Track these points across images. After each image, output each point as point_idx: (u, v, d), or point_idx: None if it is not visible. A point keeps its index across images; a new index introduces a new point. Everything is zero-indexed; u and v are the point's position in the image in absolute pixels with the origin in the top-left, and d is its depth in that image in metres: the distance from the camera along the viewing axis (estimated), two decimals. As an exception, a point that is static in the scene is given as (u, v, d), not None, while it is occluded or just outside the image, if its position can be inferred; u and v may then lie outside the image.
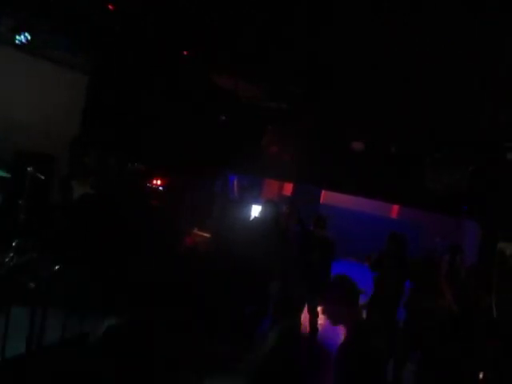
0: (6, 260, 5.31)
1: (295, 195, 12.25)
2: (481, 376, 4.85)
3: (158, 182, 8.03)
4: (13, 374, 3.81)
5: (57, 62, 6.61)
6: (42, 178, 5.72)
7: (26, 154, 6.13)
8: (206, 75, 7.84)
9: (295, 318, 5.72)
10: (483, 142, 7.02)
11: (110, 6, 5.71)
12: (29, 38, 6.02)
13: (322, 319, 5.74)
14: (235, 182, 10.01)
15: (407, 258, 5.81)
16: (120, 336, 4.62)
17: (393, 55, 4.44)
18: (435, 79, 4.82)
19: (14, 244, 5.45)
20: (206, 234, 7.88)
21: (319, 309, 5.77)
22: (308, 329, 6.04)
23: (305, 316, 6.28)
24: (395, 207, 13.04)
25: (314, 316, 6.17)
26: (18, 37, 5.99)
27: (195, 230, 7.97)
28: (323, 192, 12.93)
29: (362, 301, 5.58)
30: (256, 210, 8.65)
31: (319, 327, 6.05)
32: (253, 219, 7.58)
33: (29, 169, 5.58)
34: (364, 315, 5.30)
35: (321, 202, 12.96)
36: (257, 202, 9.12)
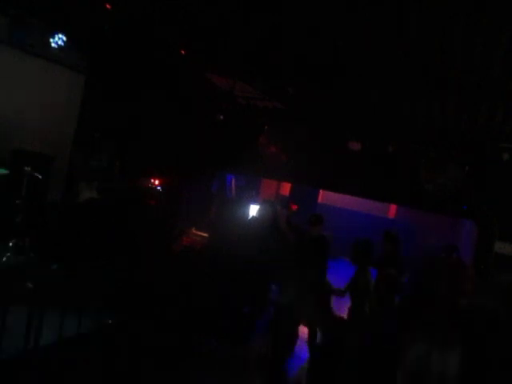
0: (3, 260, 5.31)
1: (293, 195, 12.27)
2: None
3: (156, 182, 8.04)
4: (10, 374, 3.82)
5: (54, 61, 6.61)
6: (40, 177, 5.72)
7: (23, 154, 6.13)
8: (204, 75, 7.85)
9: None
10: (479, 142, 7.05)
11: (108, 6, 5.72)
12: (25, 36, 6.02)
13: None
14: (233, 182, 10.02)
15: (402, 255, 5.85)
16: (117, 335, 4.64)
17: (387, 54, 4.46)
18: (431, 79, 4.84)
19: (10, 244, 5.46)
20: (203, 234, 7.90)
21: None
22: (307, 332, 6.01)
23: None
24: (392, 207, 13.07)
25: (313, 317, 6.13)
26: (14, 35, 5.99)
27: (193, 230, 7.99)
28: (321, 192, 12.95)
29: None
30: (254, 210, 8.66)
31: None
32: (250, 219, 7.60)
33: (26, 168, 5.58)
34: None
35: (318, 201, 12.98)
36: (254, 202, 9.13)
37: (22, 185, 5.58)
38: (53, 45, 6.31)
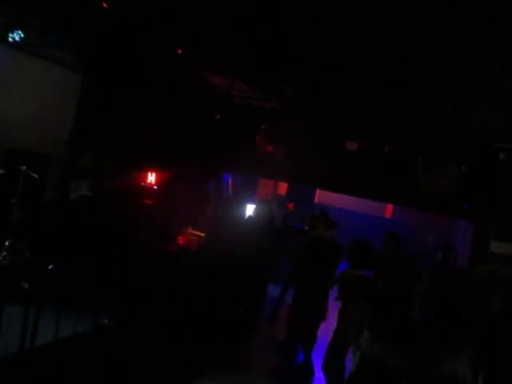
0: (-1, 259, 5.28)
1: (289, 195, 12.29)
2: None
3: (152, 181, 8.02)
4: (5, 375, 3.80)
5: (51, 60, 6.58)
6: (36, 176, 5.69)
7: (19, 153, 6.10)
8: (201, 74, 7.83)
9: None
10: (476, 142, 7.06)
11: (105, 4, 5.69)
12: (22, 35, 5.97)
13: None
14: (230, 182, 10.01)
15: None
16: (114, 335, 4.62)
17: (387, 54, 4.46)
18: (428, 79, 4.84)
19: (6, 243, 5.42)
20: (200, 233, 7.88)
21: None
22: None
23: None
24: (389, 206, 13.10)
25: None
26: (11, 34, 5.95)
27: (189, 229, 7.97)
28: (317, 191, 12.97)
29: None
30: (250, 210, 8.66)
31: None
32: (247, 218, 7.60)
33: (22, 167, 5.55)
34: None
35: (315, 201, 13.00)
36: (251, 202, 9.12)
37: (17, 184, 5.55)
38: (48, 43, 6.28)
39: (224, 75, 7.49)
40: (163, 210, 7.53)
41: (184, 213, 7.91)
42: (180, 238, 7.69)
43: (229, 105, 8.73)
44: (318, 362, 5.13)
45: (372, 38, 3.98)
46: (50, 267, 4.84)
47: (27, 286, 4.77)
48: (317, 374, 5.30)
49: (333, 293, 5.64)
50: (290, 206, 10.28)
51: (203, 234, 7.74)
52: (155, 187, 7.92)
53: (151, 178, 8.07)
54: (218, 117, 8.70)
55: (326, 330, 5.33)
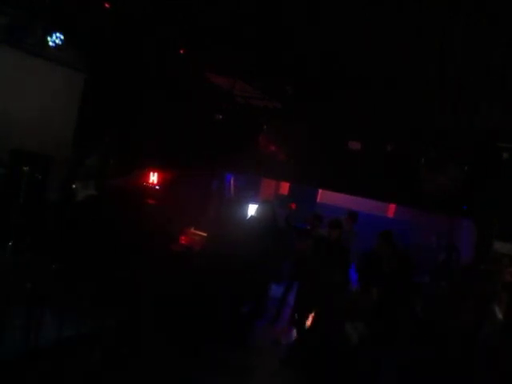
0: (2, 260, 5.30)
1: (292, 194, 12.28)
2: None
3: (155, 181, 8.03)
4: (9, 375, 3.82)
5: (53, 60, 6.59)
6: (39, 177, 5.71)
7: (22, 154, 6.11)
8: (203, 74, 7.84)
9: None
10: (478, 142, 7.05)
11: (107, 4, 5.71)
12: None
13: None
14: (232, 182, 10.01)
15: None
16: (116, 335, 4.64)
17: (387, 54, 4.46)
18: (429, 79, 4.84)
19: (9, 244, 5.45)
20: (202, 233, 7.88)
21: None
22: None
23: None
24: (392, 206, 13.07)
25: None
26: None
27: (191, 229, 7.98)
28: (320, 191, 12.94)
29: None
30: (252, 210, 8.65)
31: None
32: (249, 218, 7.60)
33: (25, 168, 5.57)
34: None
35: (317, 201, 12.98)
36: (253, 202, 9.12)
37: (20, 185, 5.57)
38: (51, 44, 6.30)
39: (225, 75, 7.50)
40: (165, 210, 7.54)
41: (186, 213, 7.92)
42: (182, 238, 7.70)
43: (231, 105, 8.74)
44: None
45: (372, 37, 3.98)
46: (53, 268, 4.86)
47: (30, 286, 4.79)
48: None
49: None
50: (293, 205, 10.28)
51: (205, 234, 7.74)
52: (157, 187, 7.93)
53: (153, 177, 8.08)
54: (220, 117, 8.71)
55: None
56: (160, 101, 7.70)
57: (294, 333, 6.26)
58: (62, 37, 6.28)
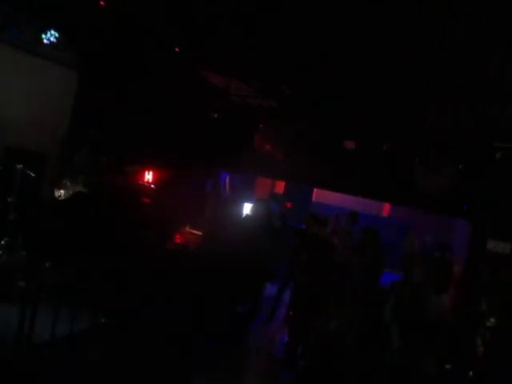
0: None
1: (287, 193, 12.28)
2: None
3: (150, 180, 7.99)
4: (2, 373, 3.78)
5: (48, 58, 6.55)
6: (33, 175, 5.66)
7: (15, 151, 6.07)
8: (198, 73, 7.82)
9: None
10: (474, 141, 7.07)
11: (102, 2, 5.67)
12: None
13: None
14: (227, 181, 9.99)
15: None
16: (112, 334, 4.61)
17: (386, 54, 4.45)
18: (428, 79, 4.84)
19: (2, 242, 5.40)
20: (197, 232, 7.87)
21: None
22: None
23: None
24: (386, 206, 13.12)
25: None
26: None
27: (187, 228, 7.96)
28: (315, 190, 12.97)
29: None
30: (248, 208, 8.64)
31: None
32: (245, 217, 7.58)
33: (18, 166, 5.53)
34: None
35: (312, 200, 13.00)
36: (249, 201, 9.11)
37: (14, 183, 5.52)
38: (45, 41, 6.25)
39: (221, 74, 7.48)
40: (161, 209, 7.51)
41: (182, 212, 7.90)
42: (177, 236, 7.68)
43: (226, 103, 8.71)
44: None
45: (372, 37, 3.97)
46: (47, 265, 4.82)
47: (24, 284, 4.76)
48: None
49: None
50: (288, 204, 10.28)
51: (201, 233, 7.72)
52: (153, 186, 7.90)
53: (148, 176, 8.04)
54: (216, 116, 8.69)
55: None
56: (155, 99, 7.66)
57: (289, 331, 6.26)
58: (57, 34, 6.23)
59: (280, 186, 13.01)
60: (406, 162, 7.56)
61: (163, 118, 7.85)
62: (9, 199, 5.55)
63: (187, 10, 5.15)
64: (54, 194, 6.29)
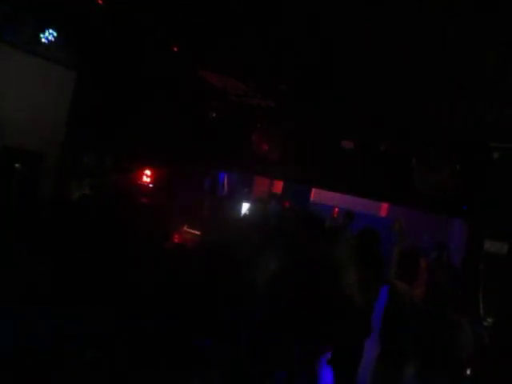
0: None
1: (285, 193, 12.28)
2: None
3: (148, 180, 7.98)
4: (1, 375, 3.77)
5: (46, 57, 6.53)
6: (31, 175, 5.65)
7: (13, 151, 6.05)
8: (196, 72, 7.81)
9: None
10: (471, 141, 7.10)
11: (100, 1, 5.66)
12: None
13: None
14: (225, 180, 9.99)
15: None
16: (111, 335, 4.60)
17: (385, 54, 4.46)
18: (426, 79, 4.85)
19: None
20: (195, 232, 7.86)
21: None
22: None
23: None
24: (384, 205, 13.13)
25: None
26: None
27: (185, 228, 7.95)
28: (313, 190, 12.97)
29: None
30: (246, 208, 8.65)
31: None
32: (243, 217, 7.59)
33: (16, 165, 5.51)
34: None
35: (310, 199, 13.00)
36: (247, 200, 9.12)
37: (12, 182, 5.51)
38: (43, 41, 6.23)
39: (219, 73, 7.48)
40: (159, 209, 7.49)
41: (179, 211, 7.89)
42: (176, 236, 7.68)
43: (224, 103, 8.71)
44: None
45: (371, 37, 3.98)
46: (45, 266, 4.81)
47: (22, 284, 4.74)
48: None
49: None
50: (286, 204, 10.28)
51: (199, 233, 7.72)
52: (151, 185, 7.89)
53: (146, 176, 8.04)
54: (214, 115, 8.69)
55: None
56: (153, 99, 7.66)
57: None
58: (56, 34, 6.21)
59: (278, 186, 13.01)
60: (404, 162, 7.58)
61: (161, 117, 7.85)
62: (7, 199, 5.53)
63: (186, 9, 5.14)
64: (57, 194, 6.28)
